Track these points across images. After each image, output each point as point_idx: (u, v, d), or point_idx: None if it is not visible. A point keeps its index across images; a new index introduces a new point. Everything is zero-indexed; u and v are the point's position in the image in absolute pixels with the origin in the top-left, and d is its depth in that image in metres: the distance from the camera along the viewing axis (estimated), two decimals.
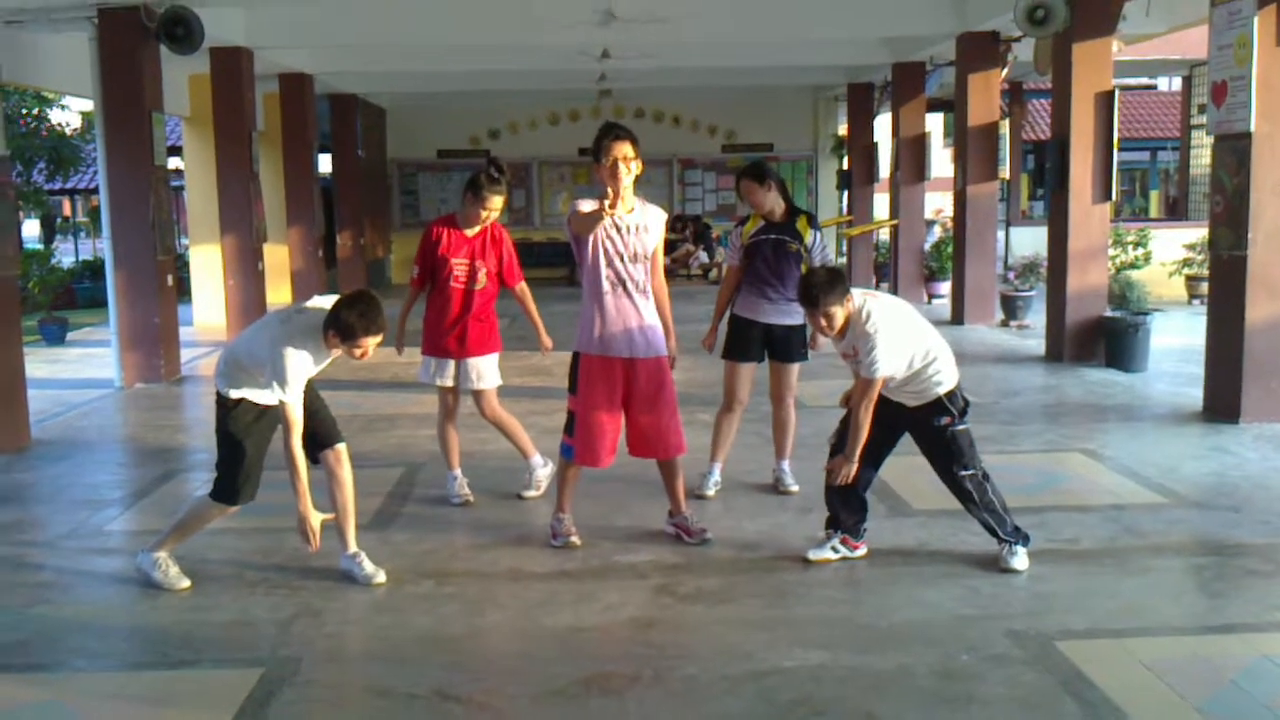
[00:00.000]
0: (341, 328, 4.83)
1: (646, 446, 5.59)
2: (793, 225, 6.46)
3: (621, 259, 5.40)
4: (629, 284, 5.41)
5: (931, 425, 5.23)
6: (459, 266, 6.34)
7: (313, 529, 4.97)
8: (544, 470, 6.63)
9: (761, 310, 6.48)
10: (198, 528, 5.36)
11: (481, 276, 6.37)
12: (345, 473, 5.27)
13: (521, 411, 8.87)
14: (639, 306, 5.44)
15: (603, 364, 5.44)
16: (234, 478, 5.13)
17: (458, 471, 6.61)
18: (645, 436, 5.57)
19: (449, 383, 6.49)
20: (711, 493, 6.57)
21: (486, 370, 6.53)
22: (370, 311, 4.83)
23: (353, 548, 5.31)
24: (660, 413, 5.54)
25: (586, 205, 5.33)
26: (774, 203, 6.44)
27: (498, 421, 6.63)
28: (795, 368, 6.61)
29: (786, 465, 6.67)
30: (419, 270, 6.46)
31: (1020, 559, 5.26)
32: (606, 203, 5.17)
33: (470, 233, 6.39)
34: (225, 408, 5.10)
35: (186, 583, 5.21)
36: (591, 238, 5.37)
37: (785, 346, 6.53)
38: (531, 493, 6.62)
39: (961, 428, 5.24)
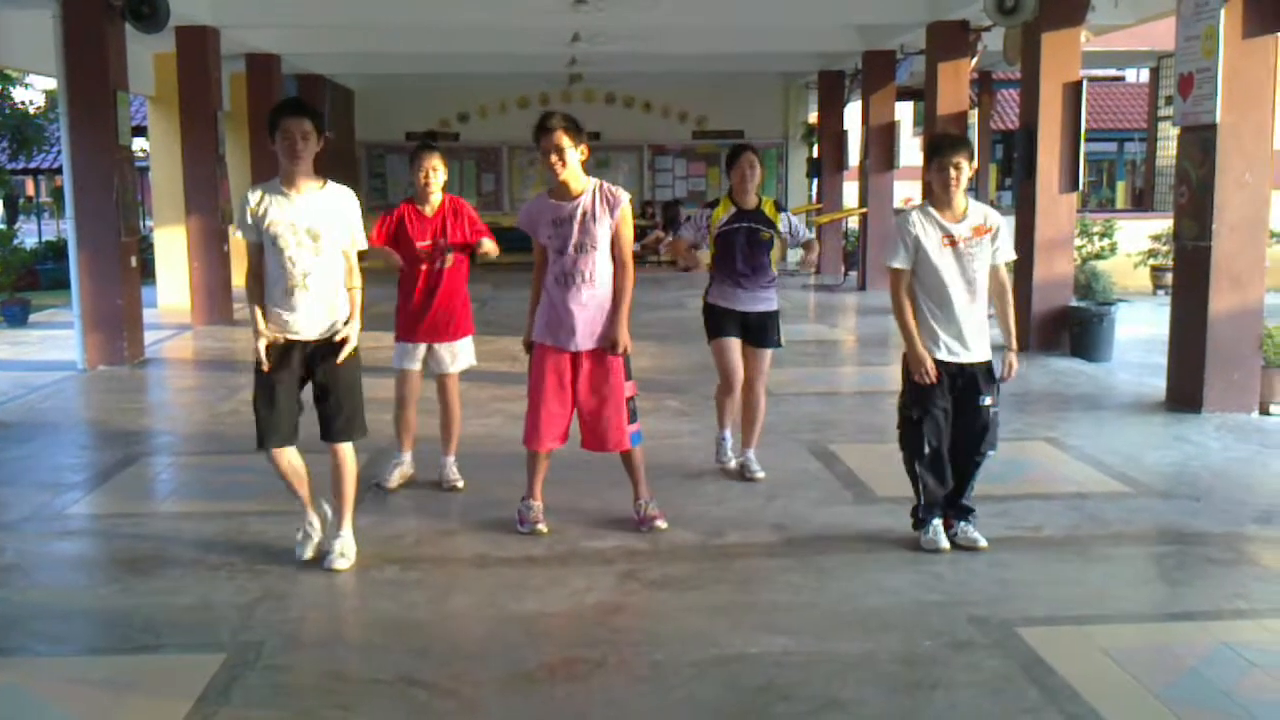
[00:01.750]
0: (269, 128, 5.01)
1: (592, 439, 5.63)
2: (762, 212, 6.50)
3: (563, 251, 5.41)
4: (575, 276, 5.41)
5: (978, 404, 5.30)
6: (423, 248, 6.27)
7: (258, 348, 5.07)
8: (454, 470, 6.57)
9: (736, 299, 6.51)
10: (284, 480, 5.32)
11: (449, 257, 6.30)
12: (344, 466, 5.25)
13: (487, 397, 8.87)
14: (586, 298, 5.43)
15: (553, 353, 5.50)
16: (256, 422, 5.19)
17: (407, 456, 6.59)
18: (590, 429, 5.60)
19: (417, 366, 6.45)
20: (732, 463, 6.70)
21: (461, 353, 6.49)
22: (285, 100, 5.15)
23: (341, 529, 5.29)
24: (603, 407, 5.53)
25: (525, 215, 5.58)
26: (756, 187, 6.52)
27: (450, 407, 6.55)
28: (769, 354, 6.65)
29: (752, 452, 6.68)
30: (380, 236, 6.27)
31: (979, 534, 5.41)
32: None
33: (429, 211, 6.31)
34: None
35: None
36: (532, 230, 5.51)
37: (760, 333, 6.56)
38: (459, 483, 6.53)
39: (997, 410, 5.37)
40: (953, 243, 5.21)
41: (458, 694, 4.02)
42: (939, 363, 5.25)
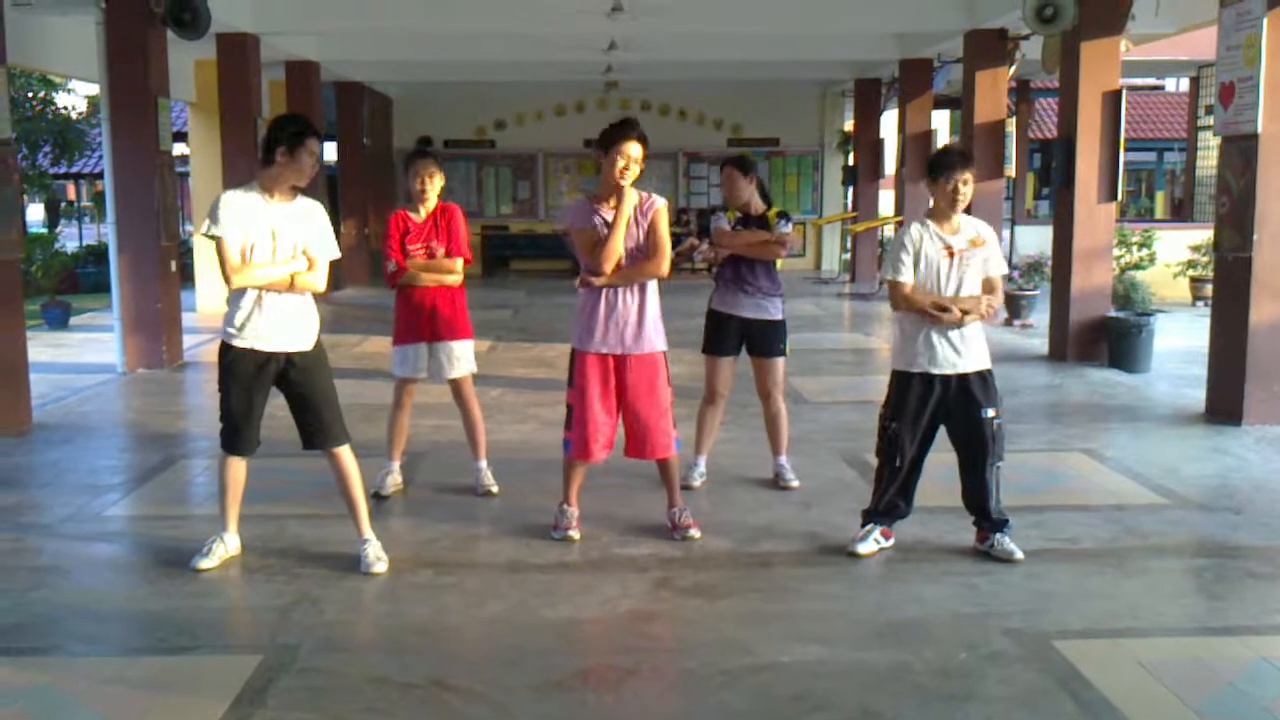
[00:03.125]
0: (280, 138, 5.01)
1: (635, 446, 5.61)
2: (765, 221, 6.50)
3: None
4: (618, 287, 5.44)
5: (979, 416, 5.29)
6: (416, 251, 6.31)
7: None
8: (488, 475, 6.57)
9: (739, 304, 6.52)
10: (222, 485, 5.43)
11: (439, 253, 6.34)
12: (346, 471, 5.31)
13: (523, 403, 8.89)
14: (634, 303, 5.45)
15: (597, 360, 5.48)
16: (223, 423, 5.30)
17: (396, 465, 6.57)
18: (634, 435, 5.58)
19: (421, 375, 6.47)
20: (697, 483, 6.58)
21: (461, 356, 6.48)
22: (301, 117, 5.20)
23: (364, 534, 5.34)
24: (650, 412, 5.53)
25: (579, 215, 5.50)
26: (751, 196, 6.54)
27: (470, 412, 6.56)
28: (779, 362, 6.59)
29: (785, 460, 6.67)
30: (395, 262, 6.35)
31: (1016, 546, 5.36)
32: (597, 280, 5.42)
33: (419, 218, 6.35)
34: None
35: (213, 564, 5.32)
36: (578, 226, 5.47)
37: (764, 341, 6.54)
38: (493, 488, 6.54)
39: (1000, 421, 5.35)
40: (951, 254, 5.29)
41: (489, 699, 4.02)
42: (930, 376, 5.30)
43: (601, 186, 5.50)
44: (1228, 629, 4.63)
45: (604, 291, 5.43)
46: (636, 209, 5.43)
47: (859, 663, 4.26)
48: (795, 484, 6.55)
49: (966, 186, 5.24)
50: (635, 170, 5.34)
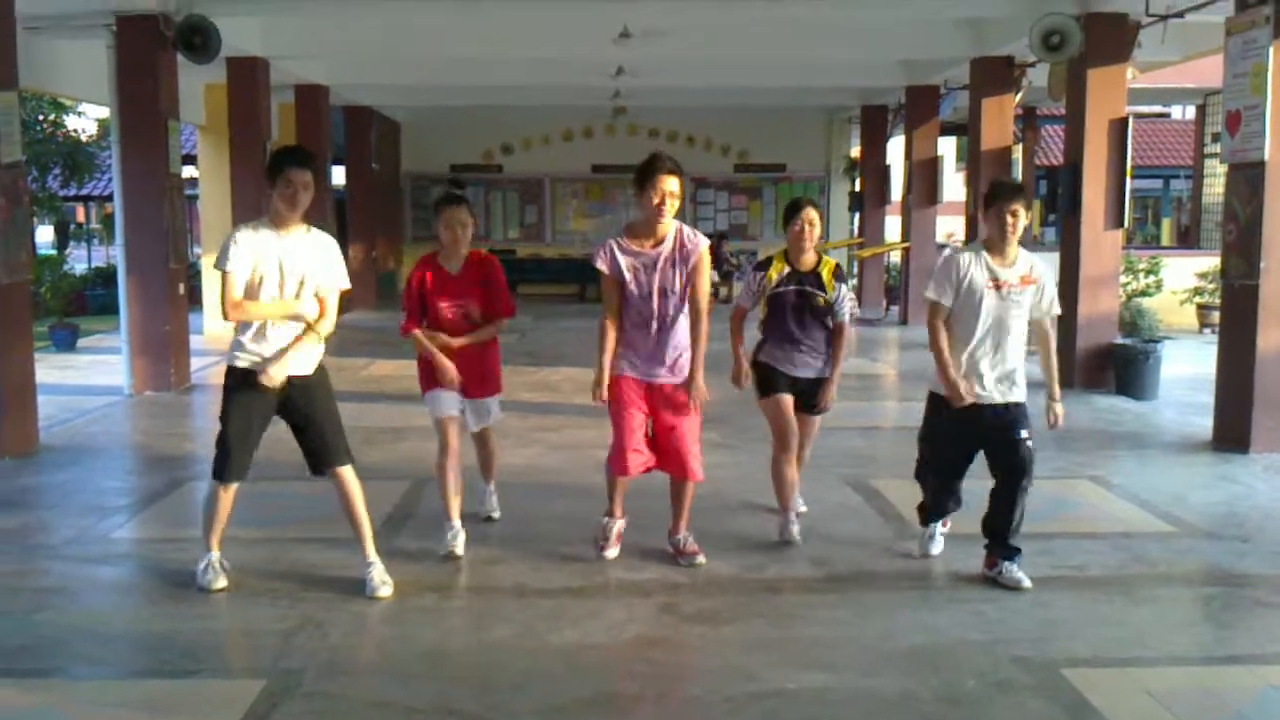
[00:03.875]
0: (269, 170, 5.11)
1: (665, 461, 5.64)
2: (818, 275, 6.02)
3: (648, 297, 5.44)
4: (656, 319, 5.46)
5: (1016, 438, 5.31)
6: (448, 310, 5.83)
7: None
8: (495, 498, 6.52)
9: (791, 362, 6.06)
10: (210, 513, 5.37)
11: (475, 314, 5.88)
12: (349, 491, 5.31)
13: (528, 428, 8.89)
14: (667, 340, 5.49)
15: (634, 382, 5.55)
16: (218, 449, 5.29)
17: (457, 523, 5.89)
18: (665, 453, 5.62)
19: (456, 411, 5.93)
20: (798, 537, 6.02)
21: (494, 408, 6.15)
22: (290, 148, 5.23)
23: (369, 557, 5.33)
24: (681, 438, 5.57)
25: (605, 260, 5.48)
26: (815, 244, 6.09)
27: (490, 444, 6.33)
28: (818, 420, 6.35)
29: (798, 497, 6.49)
30: (408, 314, 5.89)
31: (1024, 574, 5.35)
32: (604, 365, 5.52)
33: (453, 269, 5.84)
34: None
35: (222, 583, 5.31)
36: (617, 275, 5.46)
37: (811, 398, 6.13)
38: (495, 513, 6.50)
39: (1032, 443, 5.38)
40: (998, 286, 5.27)
41: None
42: (981, 404, 5.34)
43: (640, 223, 5.50)
44: (1236, 658, 4.61)
45: (638, 330, 5.48)
46: (677, 245, 5.45)
47: (866, 690, 4.24)
48: (802, 509, 6.45)
49: (1016, 218, 5.22)
50: (673, 205, 5.36)
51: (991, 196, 5.31)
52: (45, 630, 4.86)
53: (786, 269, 6.03)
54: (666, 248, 5.43)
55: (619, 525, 5.82)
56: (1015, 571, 5.34)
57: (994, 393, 5.32)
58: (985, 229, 5.38)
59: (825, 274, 6.02)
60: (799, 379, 6.07)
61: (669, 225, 5.43)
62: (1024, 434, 5.31)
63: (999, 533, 5.39)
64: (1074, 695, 4.17)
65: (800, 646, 4.67)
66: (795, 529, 6.03)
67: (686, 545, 5.73)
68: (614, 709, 4.13)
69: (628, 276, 5.43)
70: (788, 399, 6.04)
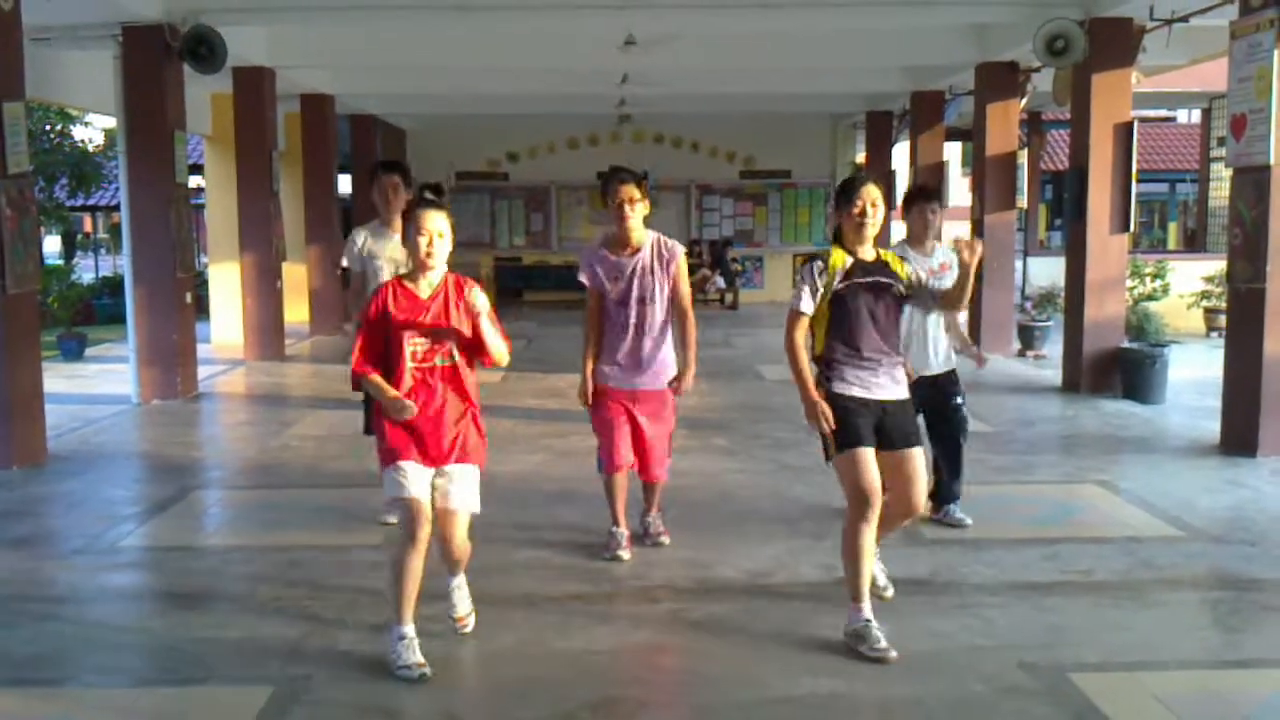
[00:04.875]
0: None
1: (641, 468, 5.94)
2: (885, 264, 4.83)
3: (624, 304, 5.68)
4: (633, 328, 5.68)
5: (951, 404, 6.30)
6: (413, 343, 4.46)
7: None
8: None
9: (874, 383, 4.72)
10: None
11: (452, 351, 4.51)
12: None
13: (536, 434, 8.90)
14: (646, 346, 5.70)
15: (616, 391, 5.77)
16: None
17: (410, 629, 4.46)
18: (637, 456, 5.88)
19: (415, 493, 4.43)
20: (885, 644, 4.53)
21: (464, 483, 4.54)
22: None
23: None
24: (653, 441, 5.84)
25: (587, 273, 5.74)
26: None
27: (460, 558, 4.73)
28: (919, 455, 4.83)
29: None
30: (361, 348, 4.51)
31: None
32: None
33: (423, 293, 4.51)
34: None
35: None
36: (599, 286, 5.74)
37: (900, 427, 4.78)
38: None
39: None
40: (931, 273, 5.84)
41: None
42: (920, 377, 6.01)
43: (614, 234, 5.75)
44: (1244, 662, 4.61)
45: (618, 338, 5.70)
46: (654, 254, 5.67)
47: (874, 696, 4.24)
48: (889, 591, 5.25)
49: (935, 215, 6.23)
50: (635, 209, 5.57)
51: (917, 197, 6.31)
52: (54, 638, 4.87)
53: (849, 260, 4.76)
54: (645, 256, 5.68)
55: (625, 534, 5.88)
56: (956, 513, 6.33)
57: (934, 366, 6.29)
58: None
59: (892, 261, 4.87)
60: (886, 405, 4.74)
61: (643, 234, 5.69)
62: (958, 399, 6.31)
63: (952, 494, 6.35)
64: (1082, 700, 4.17)
65: (808, 653, 4.66)
66: (879, 635, 4.55)
67: (654, 527, 6.05)
68: (621, 715, 4.12)
69: (608, 286, 5.67)
70: (870, 453, 4.66)
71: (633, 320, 5.66)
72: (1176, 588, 5.47)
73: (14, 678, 4.45)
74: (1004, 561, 5.77)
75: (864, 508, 4.61)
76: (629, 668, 4.57)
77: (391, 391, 4.42)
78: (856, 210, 4.75)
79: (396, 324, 4.45)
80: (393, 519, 5.62)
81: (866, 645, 4.51)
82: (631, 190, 5.57)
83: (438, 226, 4.47)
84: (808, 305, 4.72)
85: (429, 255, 4.45)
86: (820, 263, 4.73)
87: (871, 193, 4.78)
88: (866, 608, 4.61)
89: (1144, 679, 4.38)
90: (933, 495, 6.14)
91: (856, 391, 4.68)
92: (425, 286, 4.51)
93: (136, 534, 6.51)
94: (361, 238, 6.38)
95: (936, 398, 6.17)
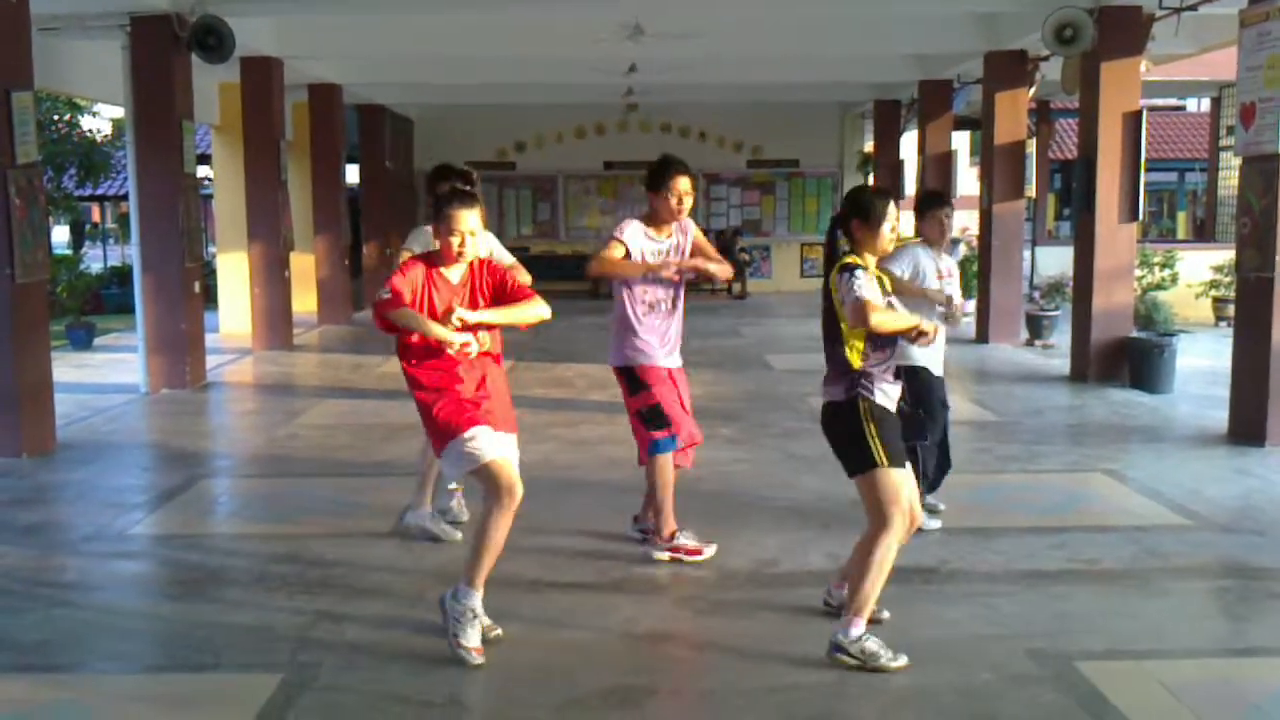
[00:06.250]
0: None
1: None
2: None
3: (657, 282, 5.72)
4: (665, 304, 5.74)
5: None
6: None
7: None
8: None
9: (895, 394, 4.62)
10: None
11: (484, 336, 4.62)
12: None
13: (544, 424, 8.91)
14: (674, 323, 5.77)
15: (663, 370, 5.74)
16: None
17: (479, 600, 4.59)
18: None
19: (498, 455, 4.60)
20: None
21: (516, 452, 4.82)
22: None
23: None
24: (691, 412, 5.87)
25: (628, 233, 5.66)
26: None
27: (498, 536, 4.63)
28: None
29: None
30: (400, 296, 4.51)
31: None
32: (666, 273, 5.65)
33: (454, 277, 4.64)
34: None
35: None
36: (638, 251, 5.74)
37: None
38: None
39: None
40: (940, 276, 6.22)
41: (510, 718, 4.03)
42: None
43: (655, 218, 5.71)
44: (1251, 650, 4.62)
45: (654, 313, 5.71)
46: (681, 239, 5.80)
47: (881, 684, 4.25)
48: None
49: (949, 219, 6.36)
50: (688, 204, 5.65)
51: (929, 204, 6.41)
52: (64, 625, 4.90)
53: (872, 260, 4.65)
54: (676, 239, 5.77)
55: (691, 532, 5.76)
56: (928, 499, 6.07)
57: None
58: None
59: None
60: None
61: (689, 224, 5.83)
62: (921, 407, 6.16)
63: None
64: (1088, 688, 4.17)
65: (815, 640, 4.66)
66: (889, 648, 4.41)
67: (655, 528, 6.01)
68: (629, 703, 4.14)
69: (640, 261, 5.68)
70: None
71: (661, 298, 5.70)
72: (1184, 576, 5.47)
73: (24, 664, 4.48)
74: (1012, 550, 5.78)
75: (909, 525, 4.54)
76: (638, 655, 4.59)
77: (433, 324, 4.46)
78: (886, 228, 4.53)
79: (435, 316, 4.52)
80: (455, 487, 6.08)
81: (887, 659, 4.33)
82: (687, 185, 5.61)
83: (470, 225, 4.55)
84: (875, 293, 4.42)
85: (460, 255, 4.58)
86: (863, 271, 4.44)
87: (894, 210, 4.58)
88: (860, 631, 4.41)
89: (1151, 667, 4.38)
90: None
91: (890, 405, 4.58)
92: (455, 271, 4.64)
93: (145, 522, 6.54)
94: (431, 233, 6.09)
95: (934, 388, 6.11)
